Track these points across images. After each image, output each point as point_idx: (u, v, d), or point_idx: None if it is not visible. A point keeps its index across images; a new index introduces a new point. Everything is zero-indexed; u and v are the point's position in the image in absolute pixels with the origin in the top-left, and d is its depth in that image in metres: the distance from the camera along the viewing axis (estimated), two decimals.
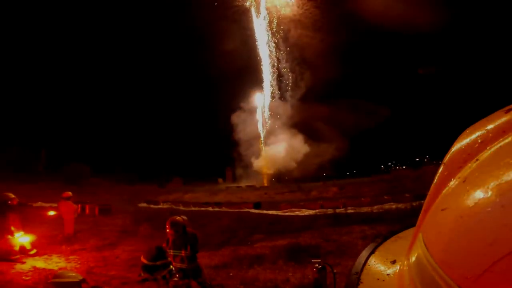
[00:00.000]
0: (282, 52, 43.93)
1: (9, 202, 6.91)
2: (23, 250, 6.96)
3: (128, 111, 48.02)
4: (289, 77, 44.46)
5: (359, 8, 34.46)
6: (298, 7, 41.15)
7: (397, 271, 0.80)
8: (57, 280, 3.29)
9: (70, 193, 9.29)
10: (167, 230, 4.32)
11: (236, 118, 44.08)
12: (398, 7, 32.47)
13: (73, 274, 3.48)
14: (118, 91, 47.31)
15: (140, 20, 47.01)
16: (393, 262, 0.86)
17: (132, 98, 49.12)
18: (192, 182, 38.99)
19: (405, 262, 0.74)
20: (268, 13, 42.81)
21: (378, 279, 0.82)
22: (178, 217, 4.45)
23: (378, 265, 0.88)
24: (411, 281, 0.66)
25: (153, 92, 51.88)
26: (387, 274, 0.82)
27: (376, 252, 0.96)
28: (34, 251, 7.17)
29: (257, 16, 42.90)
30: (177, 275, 4.50)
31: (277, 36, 43.15)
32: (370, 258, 0.92)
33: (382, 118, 37.74)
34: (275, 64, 44.68)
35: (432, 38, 38.38)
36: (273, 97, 45.36)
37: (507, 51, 30.43)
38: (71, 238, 8.87)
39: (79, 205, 16.57)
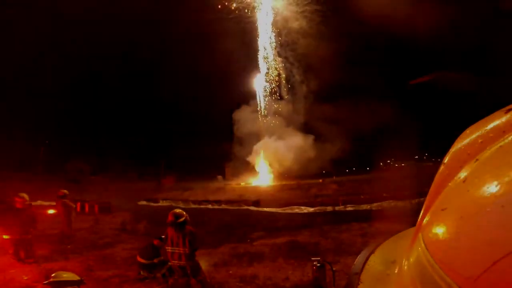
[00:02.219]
0: (283, 50, 43.83)
1: None
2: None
3: (127, 109, 47.94)
4: (289, 77, 44.40)
5: (362, 12, 34.40)
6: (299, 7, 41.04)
7: (397, 271, 0.81)
8: (54, 280, 3.26)
9: (66, 191, 8.98)
10: (169, 219, 4.34)
11: (237, 115, 44.15)
12: (398, 12, 32.45)
13: (70, 275, 3.46)
14: (117, 89, 47.19)
15: (141, 15, 46.79)
16: (393, 262, 0.86)
17: (131, 96, 49.02)
18: (191, 180, 39.01)
19: (405, 262, 0.74)
20: (272, 13, 42.61)
21: (378, 279, 0.82)
22: (179, 210, 4.53)
23: (378, 265, 0.89)
24: (411, 281, 0.66)
25: (152, 90, 51.78)
26: (387, 274, 0.83)
27: (376, 252, 0.96)
28: None
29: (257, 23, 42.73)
30: (176, 273, 4.52)
31: (280, 36, 43.05)
32: (370, 258, 0.92)
33: (385, 119, 37.69)
34: (277, 64, 44.62)
35: (432, 38, 38.39)
36: (274, 96, 45.35)
37: (507, 51, 30.41)
38: (70, 237, 8.73)
39: (78, 203, 16.62)
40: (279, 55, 44.03)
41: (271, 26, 42.65)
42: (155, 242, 5.46)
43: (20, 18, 38.30)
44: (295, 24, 41.46)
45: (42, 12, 39.22)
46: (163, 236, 5.19)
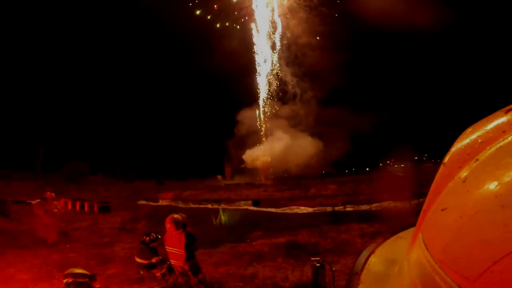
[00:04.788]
0: (283, 54, 43.99)
1: None
2: None
3: (127, 108, 47.94)
4: (292, 81, 44.52)
5: (359, 11, 34.56)
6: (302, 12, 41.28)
7: (397, 271, 0.81)
8: (71, 272, 3.39)
9: (50, 193, 8.07)
10: (167, 227, 4.32)
11: (237, 116, 44.31)
12: (396, 10, 32.60)
13: (83, 271, 3.58)
14: (116, 89, 47.20)
15: (140, 18, 46.82)
16: (393, 262, 0.86)
17: (130, 96, 49.04)
18: (191, 179, 39.02)
19: (405, 262, 0.74)
20: (271, 18, 42.84)
21: (378, 279, 0.82)
22: (177, 215, 4.46)
23: (378, 265, 0.89)
24: (411, 281, 0.66)
25: (151, 90, 51.82)
26: (387, 274, 0.83)
27: (376, 252, 0.96)
28: None
29: (257, 25, 42.90)
30: (176, 273, 4.52)
31: (280, 40, 43.25)
32: (370, 258, 0.92)
33: (383, 121, 37.80)
34: (278, 66, 44.76)
35: (432, 38, 38.50)
36: (274, 98, 45.47)
37: (507, 51, 30.46)
38: (55, 244, 7.75)
39: (77, 202, 16.57)
40: (283, 59, 44.26)
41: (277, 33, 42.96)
42: (147, 240, 5.35)
43: (18, 16, 38.30)
44: (299, 32, 41.71)
45: (41, 11, 39.21)
46: (153, 234, 5.14)
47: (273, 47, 43.55)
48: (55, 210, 7.93)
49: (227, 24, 40.66)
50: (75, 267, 3.74)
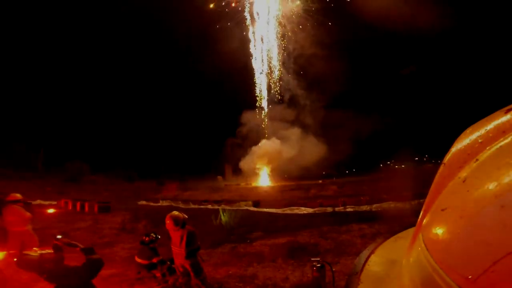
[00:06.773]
0: (289, 60, 44.14)
1: None
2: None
3: (128, 109, 47.99)
4: (295, 84, 44.58)
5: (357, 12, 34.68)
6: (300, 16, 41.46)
7: (397, 271, 0.80)
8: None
9: (18, 195, 6.56)
10: (166, 223, 4.32)
11: (243, 118, 44.42)
12: (393, 12, 32.73)
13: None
14: (117, 89, 47.26)
15: (142, 17, 46.89)
16: (393, 262, 0.86)
17: (131, 96, 49.11)
18: (191, 180, 39.03)
19: (405, 262, 0.74)
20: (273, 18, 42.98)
21: (378, 279, 0.82)
22: (177, 212, 4.47)
23: (378, 265, 0.89)
24: (411, 281, 0.66)
25: (152, 90, 51.88)
26: (387, 274, 0.83)
27: (376, 252, 0.96)
28: None
29: (253, 22, 43.02)
30: (177, 273, 4.52)
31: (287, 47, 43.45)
32: (370, 258, 0.92)
33: (384, 122, 37.76)
34: (280, 68, 44.85)
35: (432, 39, 38.57)
36: (275, 100, 45.54)
37: (507, 51, 30.49)
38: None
39: (78, 202, 16.56)
40: (285, 65, 44.38)
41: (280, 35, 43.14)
42: (146, 240, 5.32)
43: (18, 17, 38.40)
44: (303, 39, 41.85)
45: (41, 11, 39.29)
46: (153, 234, 5.15)
47: (279, 52, 43.79)
48: (27, 214, 6.47)
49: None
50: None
